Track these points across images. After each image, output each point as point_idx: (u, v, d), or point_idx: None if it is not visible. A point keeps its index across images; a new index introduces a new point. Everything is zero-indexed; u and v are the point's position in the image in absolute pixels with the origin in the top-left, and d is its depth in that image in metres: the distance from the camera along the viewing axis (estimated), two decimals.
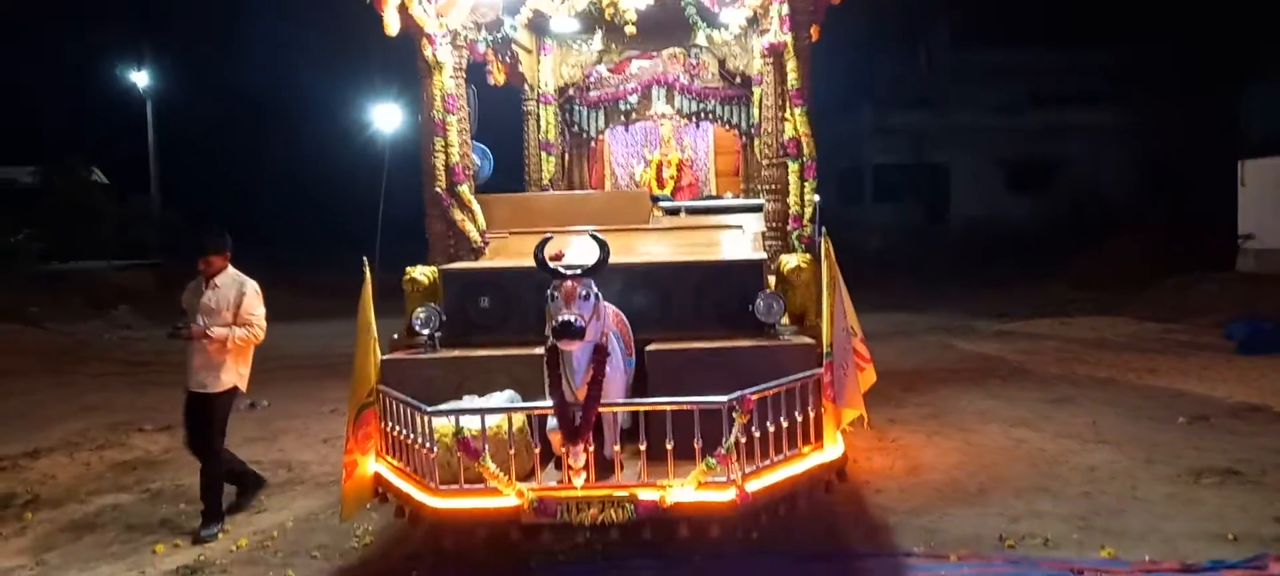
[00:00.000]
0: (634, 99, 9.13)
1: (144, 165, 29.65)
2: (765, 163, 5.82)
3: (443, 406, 4.52)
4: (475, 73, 7.74)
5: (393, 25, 5.40)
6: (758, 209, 6.45)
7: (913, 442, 7.86)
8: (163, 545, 5.90)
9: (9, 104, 29.07)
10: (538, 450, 4.41)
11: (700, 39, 7.83)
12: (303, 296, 22.74)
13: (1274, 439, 7.55)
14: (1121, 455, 7.21)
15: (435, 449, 4.44)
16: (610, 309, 4.87)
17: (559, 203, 6.67)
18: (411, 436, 4.61)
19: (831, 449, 4.78)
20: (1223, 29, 25.50)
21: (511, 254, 5.90)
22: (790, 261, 5.27)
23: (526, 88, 8.53)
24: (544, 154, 8.73)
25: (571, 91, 9.07)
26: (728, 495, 4.27)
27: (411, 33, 5.74)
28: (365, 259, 5.00)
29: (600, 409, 4.35)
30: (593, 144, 9.39)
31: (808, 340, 4.95)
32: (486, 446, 4.35)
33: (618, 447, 4.42)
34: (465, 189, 6.02)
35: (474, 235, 6.01)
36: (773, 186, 5.74)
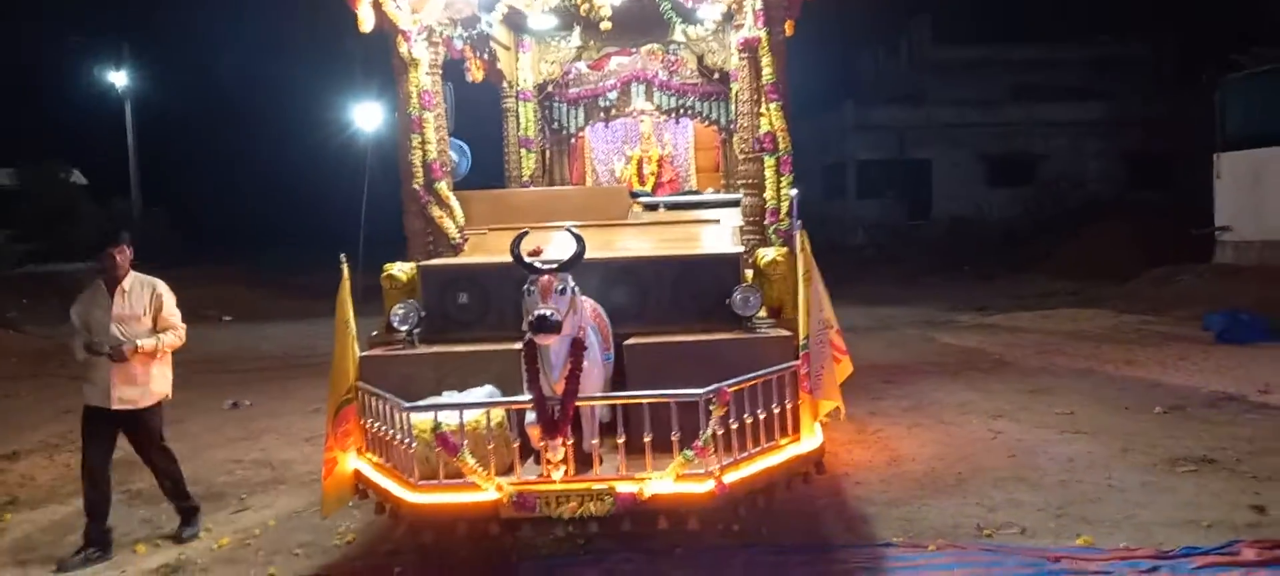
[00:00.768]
0: (613, 95, 9.15)
1: (124, 166, 29.50)
2: (742, 158, 5.86)
3: (421, 402, 4.53)
4: (453, 70, 7.75)
5: (367, 21, 5.40)
6: (736, 204, 6.48)
7: (893, 434, 7.92)
8: (144, 545, 5.89)
9: None
10: (517, 444, 4.42)
11: (677, 35, 7.85)
12: (285, 295, 22.70)
13: (1248, 427, 7.64)
14: (1098, 445, 7.28)
15: (414, 445, 4.45)
16: (588, 303, 4.89)
17: (537, 199, 6.69)
18: (390, 432, 4.62)
19: (809, 440, 4.82)
20: (1200, 23, 25.74)
21: (490, 250, 5.91)
22: (767, 255, 5.30)
23: (505, 85, 8.53)
24: (523, 151, 8.73)
25: (551, 88, 9.08)
26: (706, 487, 4.30)
27: (386, 29, 5.74)
28: (343, 256, 5.00)
29: (578, 403, 4.38)
30: (573, 141, 9.41)
31: (785, 332, 4.99)
32: (465, 441, 4.36)
33: (596, 441, 4.44)
34: (443, 186, 6.03)
35: (452, 232, 6.02)
36: (749, 181, 5.77)
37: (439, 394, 4.91)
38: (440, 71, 6.12)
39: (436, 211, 5.98)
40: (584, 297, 4.91)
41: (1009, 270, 21.98)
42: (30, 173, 21.97)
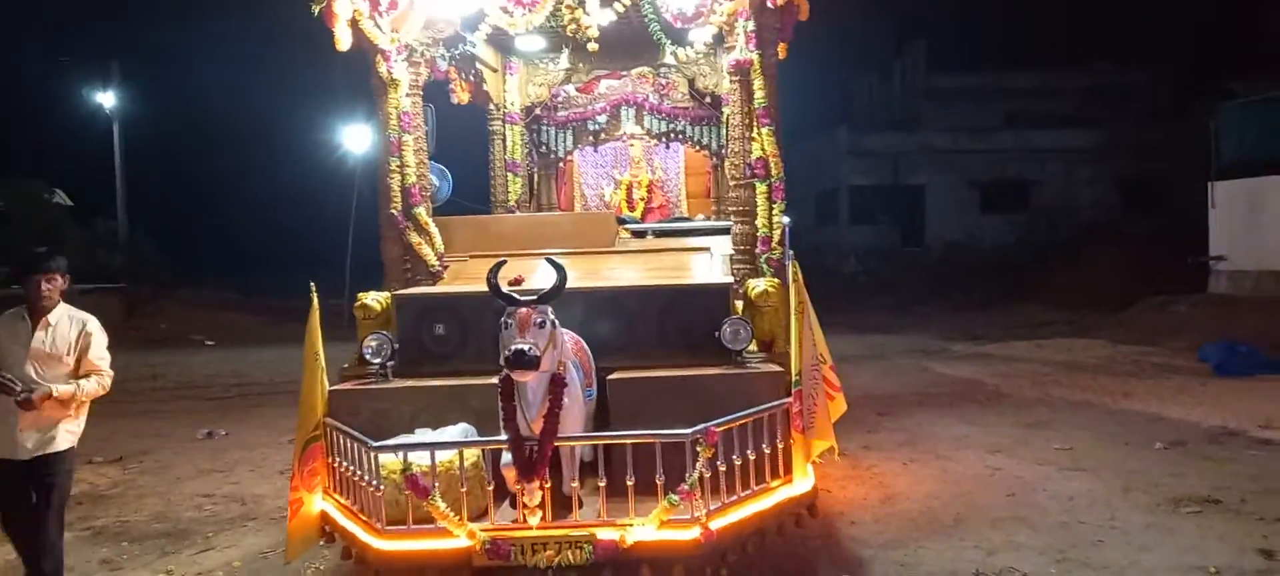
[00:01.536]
0: (603, 119, 8.97)
1: (111, 188, 29.21)
2: (732, 183, 5.64)
3: (390, 441, 4.27)
4: (438, 91, 7.55)
5: (344, 40, 5.18)
6: (727, 231, 6.27)
7: (888, 470, 7.67)
8: None
9: None
10: (491, 487, 4.17)
11: (668, 58, 7.66)
12: (272, 320, 22.38)
13: (1251, 465, 7.42)
14: (1099, 482, 7.05)
15: (381, 487, 4.19)
16: (570, 336, 4.66)
17: (520, 225, 6.46)
18: (358, 473, 4.36)
19: (801, 482, 4.58)
20: (1193, 52, 25.77)
21: (470, 278, 5.67)
22: (758, 286, 5.07)
23: (492, 107, 8.33)
24: (510, 175, 8.52)
25: (539, 111, 8.89)
26: (692, 533, 4.06)
27: (366, 49, 5.53)
28: (312, 284, 4.77)
29: (557, 442, 4.13)
30: (561, 165, 9.21)
31: (776, 368, 4.76)
32: (437, 484, 4.11)
33: (576, 483, 4.20)
34: (422, 211, 5.80)
35: (431, 259, 5.78)
36: (740, 208, 5.55)
37: (412, 431, 4.67)
38: (421, 92, 5.90)
39: (414, 237, 5.75)
40: (565, 331, 4.67)
41: (1003, 297, 21.80)
42: (11, 193, 21.64)
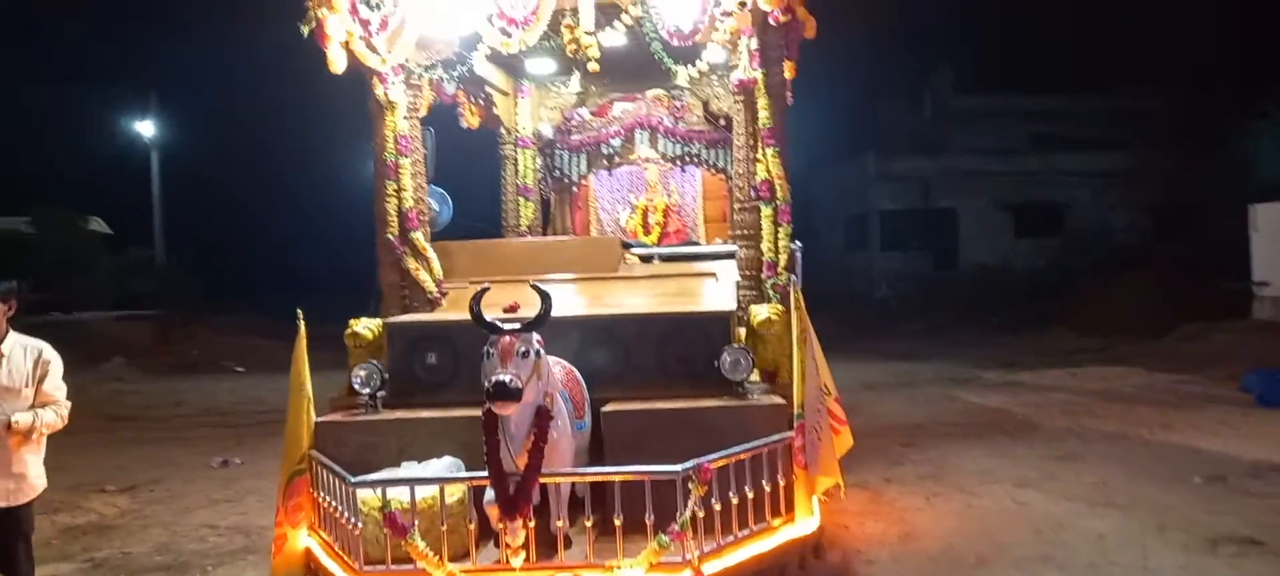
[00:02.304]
0: (617, 142, 8.80)
1: (150, 216, 29.67)
2: (737, 207, 5.44)
3: (369, 476, 4.10)
4: (448, 115, 7.45)
5: (338, 63, 5.07)
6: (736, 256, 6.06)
7: (909, 505, 7.36)
8: None
9: (16, 154, 29.07)
10: (473, 525, 3.98)
11: (681, 80, 7.51)
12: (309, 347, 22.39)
13: None
14: (1132, 520, 6.70)
15: (360, 525, 4.02)
16: (562, 367, 4.48)
17: (523, 250, 6.31)
18: (337, 508, 4.19)
19: (805, 522, 4.35)
20: (1228, 71, 25.20)
21: (462, 305, 5.50)
22: (760, 313, 4.86)
23: (503, 131, 8.22)
24: (521, 199, 8.40)
25: (552, 135, 8.76)
26: None
27: (363, 71, 5.42)
28: (299, 311, 4.63)
29: (543, 479, 3.94)
30: (575, 189, 9.06)
31: (778, 400, 4.55)
32: (416, 522, 3.93)
33: (562, 522, 3.99)
34: (419, 236, 5.66)
35: (429, 285, 5.63)
36: (745, 232, 5.35)
37: (399, 464, 4.50)
38: (419, 116, 5.78)
39: (412, 263, 5.61)
40: (557, 360, 4.50)
41: (1036, 323, 21.25)
42: (45, 220, 21.95)
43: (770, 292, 5.26)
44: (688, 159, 8.73)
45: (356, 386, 4.82)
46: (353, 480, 4.02)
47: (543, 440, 3.91)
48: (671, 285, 5.65)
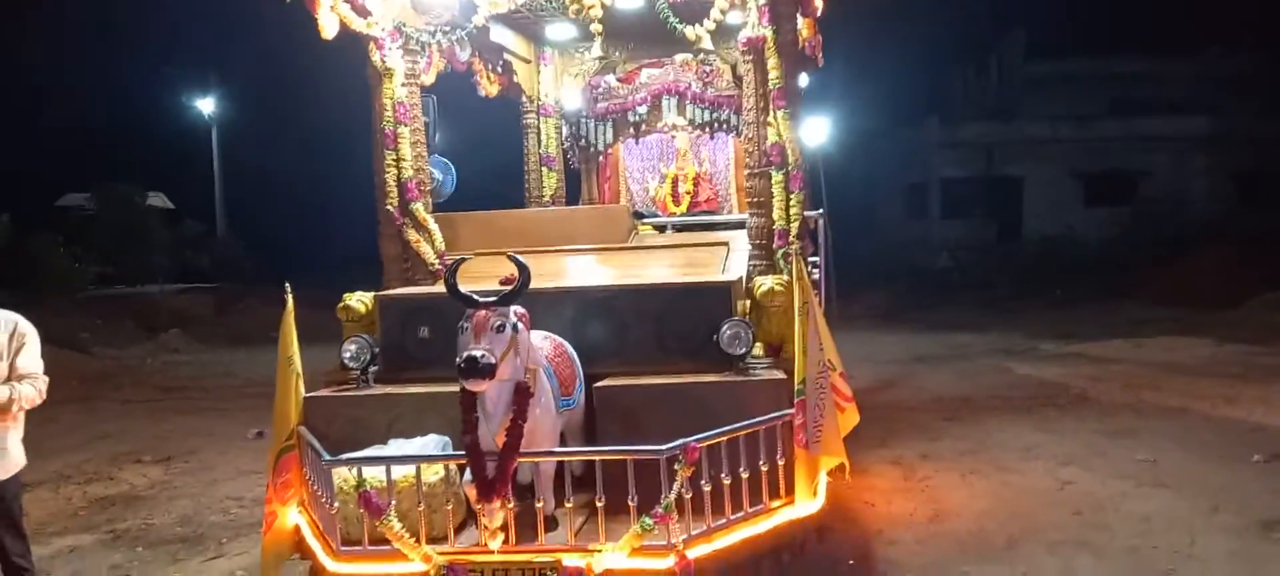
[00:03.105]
0: (643, 110, 8.51)
1: (212, 191, 30.37)
2: (746, 172, 5.16)
3: (344, 455, 3.97)
4: (464, 83, 7.28)
5: (329, 28, 4.91)
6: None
7: (943, 482, 7.06)
8: None
9: (83, 133, 29.90)
10: (449, 506, 3.83)
11: (706, 43, 7.20)
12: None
13: None
14: (1181, 501, 6.31)
15: (336, 504, 3.89)
16: (551, 341, 4.29)
17: (529, 221, 6.11)
18: (316, 487, 4.08)
19: (806, 504, 4.10)
20: None
21: (470, 277, 5.32)
22: (764, 284, 4.60)
23: (525, 100, 8.02)
24: (545, 169, 8.20)
25: (579, 103, 8.53)
26: (666, 563, 3.62)
27: (359, 36, 5.25)
28: (286, 284, 4.51)
29: (522, 458, 3.76)
30: (602, 158, 8.82)
31: (780, 375, 4.29)
32: (393, 502, 3.79)
33: (541, 503, 3.81)
34: (420, 207, 5.50)
35: (430, 257, 5.48)
36: (756, 198, 5.07)
37: (387, 441, 4.37)
38: (420, 83, 5.60)
39: (412, 235, 5.45)
40: (546, 334, 4.31)
41: (1103, 295, 20.44)
42: (105, 196, 22.51)
43: (781, 263, 4.98)
44: (717, 125, 8.40)
45: (346, 360, 4.70)
46: (326, 458, 3.89)
47: (522, 419, 3.72)
48: (681, 255, 5.40)
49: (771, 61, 4.95)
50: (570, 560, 3.64)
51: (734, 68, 7.68)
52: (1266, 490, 6.45)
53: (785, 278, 4.63)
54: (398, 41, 5.38)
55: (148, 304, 21.42)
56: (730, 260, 5.28)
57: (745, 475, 3.89)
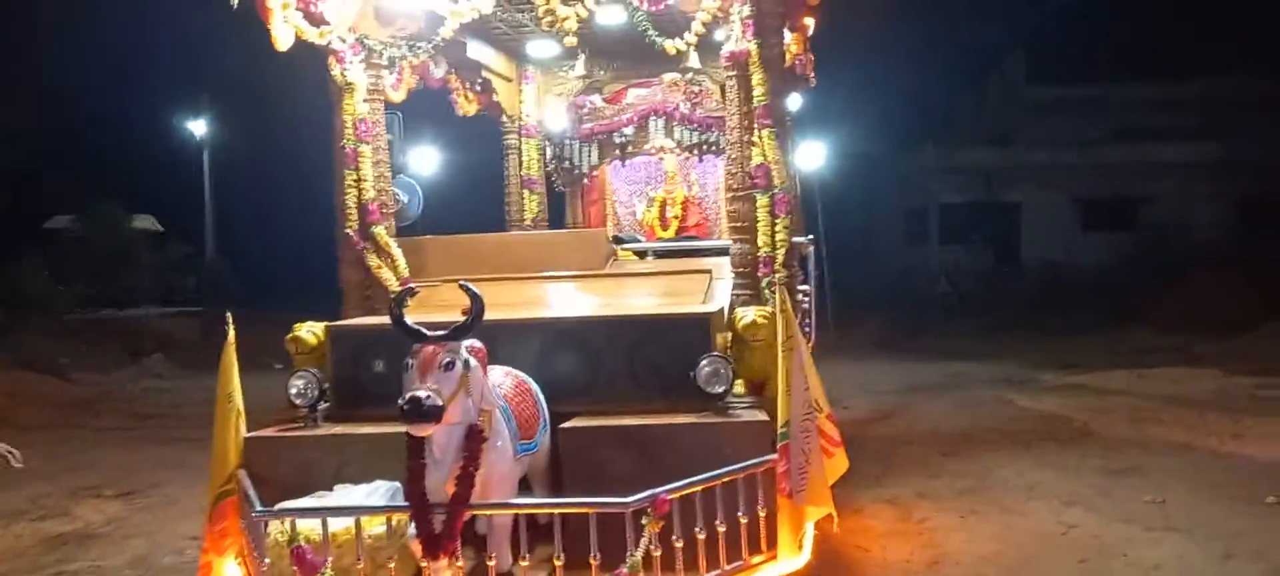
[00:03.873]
0: (629, 131, 8.19)
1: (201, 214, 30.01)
2: (729, 196, 4.83)
3: (279, 505, 3.61)
4: (442, 102, 6.98)
5: (283, 39, 4.59)
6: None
7: (942, 524, 6.67)
8: None
9: (73, 155, 29.60)
10: (393, 565, 3.45)
11: (693, 61, 6.90)
12: None
13: None
14: (1193, 545, 5.92)
15: (266, 561, 3.52)
16: (512, 378, 3.93)
17: (501, 245, 5.78)
18: (252, 539, 3.71)
19: (790, 559, 3.73)
20: None
21: (437, 306, 4.99)
22: (746, 316, 4.25)
23: (505, 119, 7.72)
24: (526, 192, 7.89)
25: (564, 124, 8.22)
26: None
27: (325, 50, 4.94)
28: (228, 315, 4.17)
29: (475, 510, 3.40)
30: (587, 181, 8.50)
31: (762, 416, 3.95)
32: (329, 558, 3.42)
33: (492, 561, 3.44)
34: (382, 230, 5.16)
35: (392, 284, 5.14)
36: (739, 223, 4.73)
37: (333, 487, 4.01)
38: (382, 98, 5.28)
39: (373, 260, 5.11)
40: (507, 370, 3.96)
41: (1104, 322, 20.10)
42: (91, 218, 22.23)
43: (767, 293, 4.65)
44: (706, 147, 8.08)
45: (292, 396, 4.34)
46: (257, 509, 3.53)
47: (474, 466, 3.37)
48: (661, 284, 5.07)
49: (756, 77, 4.65)
50: None
51: (723, 87, 7.37)
52: None
53: (769, 309, 4.28)
54: (360, 55, 5.06)
55: (133, 327, 21.08)
56: (713, 289, 4.95)
57: (722, 528, 3.53)
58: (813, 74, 7.46)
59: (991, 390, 13.26)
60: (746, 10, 4.59)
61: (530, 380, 4.02)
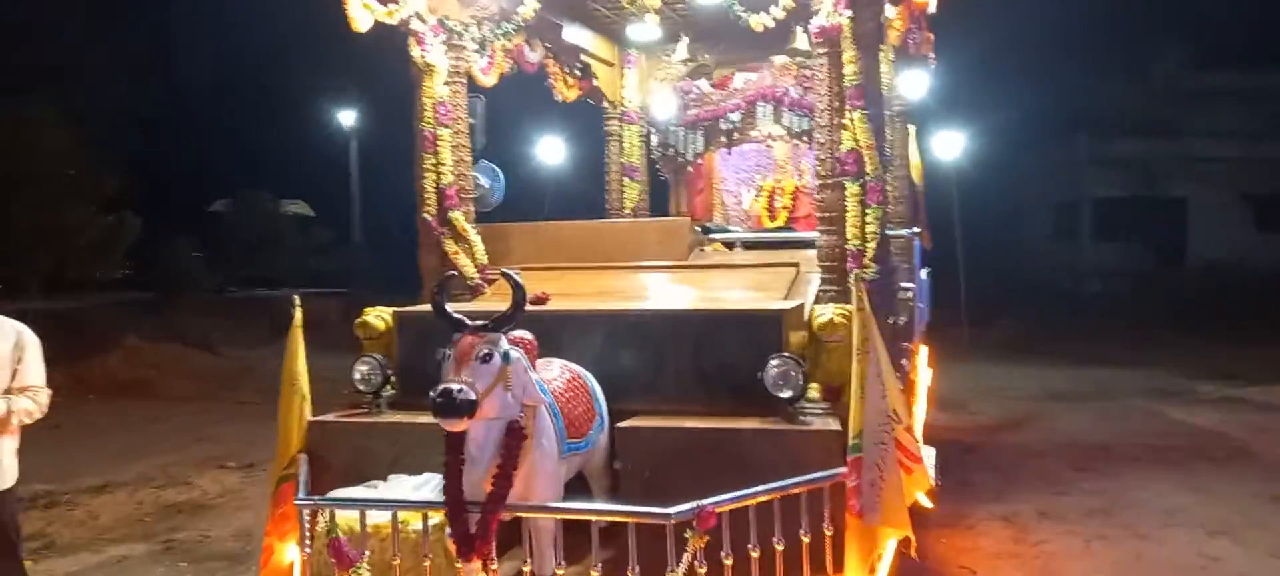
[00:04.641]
0: (736, 117, 7.88)
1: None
2: (818, 183, 4.48)
3: (315, 497, 3.52)
4: (539, 86, 6.87)
5: (361, 21, 4.53)
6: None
7: (1062, 548, 6.09)
8: None
9: (233, 143, 31.44)
10: (428, 562, 3.31)
11: (801, 43, 6.54)
12: None
13: None
14: None
15: (309, 548, 3.44)
16: (568, 373, 3.72)
17: (582, 233, 5.56)
18: (299, 526, 3.65)
19: None
20: None
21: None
22: (823, 314, 3.90)
23: (607, 105, 7.54)
24: (627, 179, 7.69)
25: (670, 110, 7.98)
26: None
27: (403, 30, 4.87)
28: (295, 298, 4.14)
29: (511, 513, 3.22)
30: (691, 169, 8.23)
31: (834, 425, 3.61)
32: (366, 552, 3.31)
33: (526, 567, 3.25)
34: (460, 215, 5.05)
35: (469, 271, 5.02)
36: (827, 214, 4.38)
37: (386, 476, 3.92)
38: (463, 81, 5.17)
39: (451, 246, 5.01)
40: (564, 364, 3.76)
41: (1275, 332, 18.33)
42: (240, 202, 23.52)
43: (854, 289, 4.27)
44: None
45: (356, 382, 4.28)
46: (299, 498, 3.46)
47: (511, 464, 3.18)
48: (742, 277, 4.76)
49: (847, 54, 4.28)
50: None
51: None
52: None
53: (850, 307, 3.92)
54: (441, 36, 4.96)
55: (281, 306, 22.18)
56: (798, 284, 4.61)
57: (780, 547, 3.22)
58: (932, 54, 6.96)
59: (1140, 400, 12.24)
60: None
61: (587, 375, 3.81)
